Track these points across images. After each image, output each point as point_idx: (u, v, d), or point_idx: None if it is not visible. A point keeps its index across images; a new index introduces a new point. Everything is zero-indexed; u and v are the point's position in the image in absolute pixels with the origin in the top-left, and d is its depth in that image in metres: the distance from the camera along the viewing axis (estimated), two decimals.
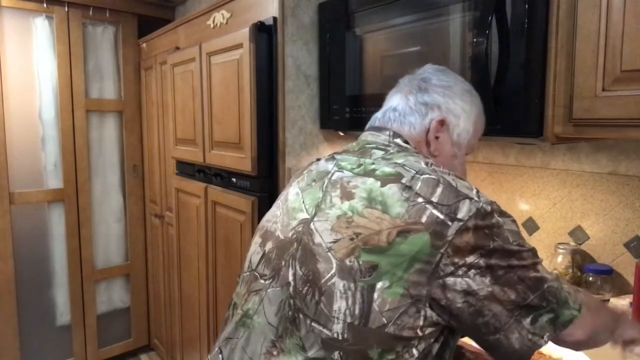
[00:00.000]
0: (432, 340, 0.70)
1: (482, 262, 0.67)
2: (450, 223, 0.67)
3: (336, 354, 0.69)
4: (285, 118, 1.49)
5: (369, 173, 0.78)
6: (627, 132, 0.86)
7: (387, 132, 0.86)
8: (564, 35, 0.92)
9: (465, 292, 0.67)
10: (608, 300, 1.15)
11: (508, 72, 0.99)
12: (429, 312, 0.68)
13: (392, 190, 0.72)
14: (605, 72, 0.87)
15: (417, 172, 0.74)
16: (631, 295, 1.07)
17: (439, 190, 0.71)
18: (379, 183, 0.75)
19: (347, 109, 1.43)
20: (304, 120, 1.53)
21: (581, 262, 1.24)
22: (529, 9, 0.94)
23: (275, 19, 1.47)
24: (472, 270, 0.66)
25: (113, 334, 2.82)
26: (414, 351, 0.69)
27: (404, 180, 0.73)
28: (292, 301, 0.74)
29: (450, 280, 0.66)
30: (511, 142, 1.39)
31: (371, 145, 0.86)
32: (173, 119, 2.09)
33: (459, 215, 0.68)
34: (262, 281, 0.81)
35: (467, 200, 0.69)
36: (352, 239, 0.71)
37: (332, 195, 0.78)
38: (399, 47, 1.26)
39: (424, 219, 0.68)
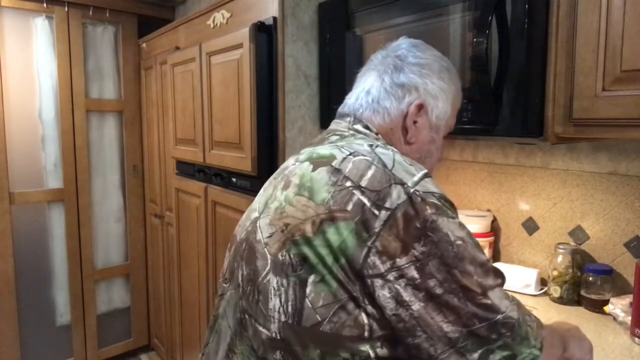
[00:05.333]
0: (390, 347, 0.59)
1: (414, 270, 0.57)
2: (377, 212, 0.58)
3: (278, 354, 0.63)
4: (285, 118, 1.49)
5: (309, 158, 0.71)
6: (627, 132, 0.86)
7: (348, 119, 0.79)
8: (564, 35, 0.92)
9: (395, 301, 0.57)
10: (608, 300, 1.15)
11: (508, 72, 0.99)
12: (370, 308, 0.58)
13: (320, 175, 0.65)
14: (605, 72, 0.87)
15: (351, 154, 0.66)
16: (631, 295, 1.07)
17: (370, 173, 0.62)
18: (311, 167, 0.68)
19: None
20: (304, 120, 1.53)
21: (581, 262, 1.24)
22: (529, 9, 0.94)
23: (275, 19, 1.47)
24: (403, 280, 0.57)
25: (113, 334, 2.82)
26: None
27: (334, 163, 0.66)
28: (241, 302, 0.70)
29: (378, 282, 0.57)
30: (511, 142, 1.39)
31: (330, 134, 0.80)
32: (173, 119, 2.09)
33: (387, 204, 0.59)
34: (224, 285, 0.79)
35: (400, 186, 0.60)
36: (282, 231, 0.65)
37: (278, 189, 0.72)
38: None
39: (349, 206, 0.60)
